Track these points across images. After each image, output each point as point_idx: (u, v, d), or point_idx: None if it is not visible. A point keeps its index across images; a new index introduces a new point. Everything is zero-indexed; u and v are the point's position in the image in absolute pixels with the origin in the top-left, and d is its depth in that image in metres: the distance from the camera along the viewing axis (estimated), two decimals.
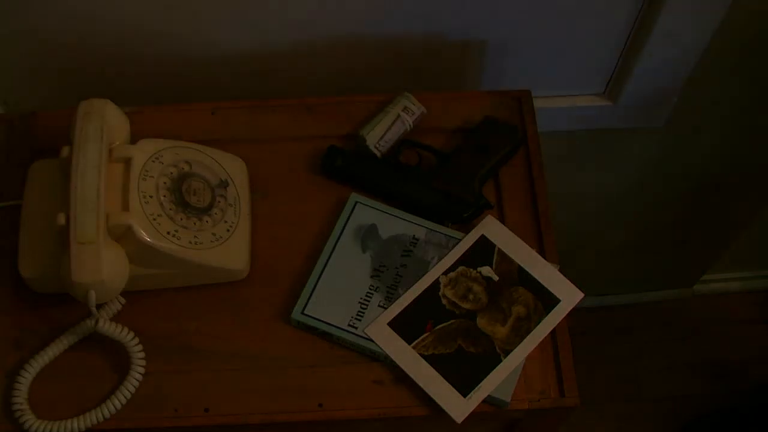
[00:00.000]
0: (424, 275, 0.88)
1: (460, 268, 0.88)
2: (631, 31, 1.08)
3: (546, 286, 0.87)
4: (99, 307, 0.82)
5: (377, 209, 0.92)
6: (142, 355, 0.83)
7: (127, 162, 0.85)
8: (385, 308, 0.86)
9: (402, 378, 0.84)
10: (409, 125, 0.96)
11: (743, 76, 1.19)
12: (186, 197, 0.86)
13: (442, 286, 0.87)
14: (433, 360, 0.83)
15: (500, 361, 0.83)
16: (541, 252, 0.90)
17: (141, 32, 1.02)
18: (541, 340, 0.85)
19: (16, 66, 1.07)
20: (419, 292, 0.87)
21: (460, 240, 0.90)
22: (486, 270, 0.88)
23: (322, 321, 0.85)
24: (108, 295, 0.81)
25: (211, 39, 1.04)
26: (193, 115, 0.98)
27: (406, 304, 0.86)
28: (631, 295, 1.86)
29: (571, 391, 0.84)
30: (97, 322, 0.81)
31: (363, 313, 0.86)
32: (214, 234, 0.86)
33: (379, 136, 0.94)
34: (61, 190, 0.82)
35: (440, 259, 0.89)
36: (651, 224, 1.56)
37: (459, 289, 0.87)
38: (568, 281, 0.87)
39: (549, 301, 0.86)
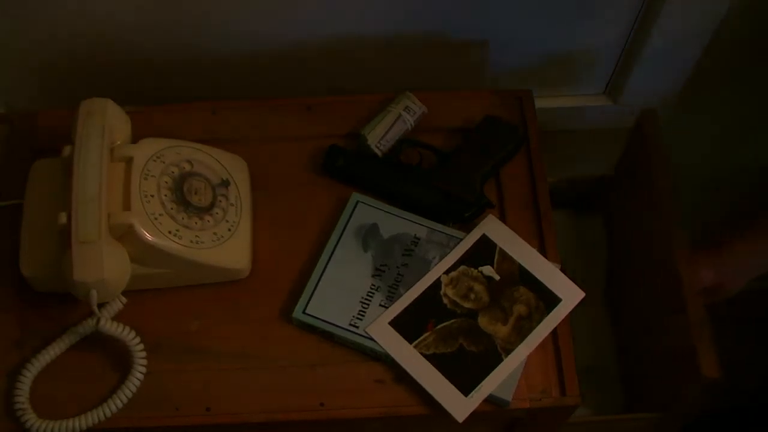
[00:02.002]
0: (425, 274, 0.88)
1: (462, 268, 0.88)
2: (631, 31, 1.09)
3: (547, 285, 0.87)
4: (100, 306, 0.82)
5: (378, 208, 0.92)
6: (143, 354, 0.83)
7: (129, 161, 0.85)
8: (387, 307, 0.86)
9: (403, 377, 0.84)
10: (410, 124, 0.96)
11: (743, 76, 1.19)
12: (187, 196, 0.86)
13: (443, 285, 0.87)
14: (434, 359, 0.83)
15: (501, 360, 0.83)
16: (542, 251, 0.90)
17: (141, 32, 1.02)
18: (542, 339, 0.85)
19: (16, 66, 1.07)
20: (420, 291, 0.87)
21: (461, 239, 0.90)
22: (487, 269, 0.88)
23: (324, 320, 0.85)
24: (109, 295, 0.81)
25: (212, 39, 1.04)
26: (194, 115, 0.99)
27: (407, 303, 0.86)
28: None
29: (573, 390, 0.84)
30: (98, 321, 0.81)
31: (364, 312, 0.86)
32: (215, 233, 0.86)
33: (381, 135, 0.94)
34: (63, 190, 0.82)
35: (441, 258, 0.89)
36: None
37: (460, 288, 0.87)
38: (569, 280, 0.87)
39: (550, 300, 0.86)
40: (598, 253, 1.18)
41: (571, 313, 1.08)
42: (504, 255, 0.89)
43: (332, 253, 0.89)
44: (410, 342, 0.84)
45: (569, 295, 0.87)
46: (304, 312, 0.86)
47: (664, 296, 0.98)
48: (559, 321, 0.86)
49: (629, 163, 1.08)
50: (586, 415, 1.09)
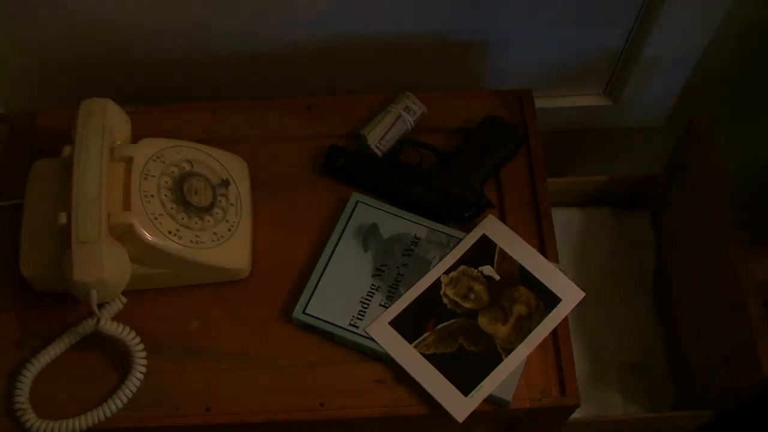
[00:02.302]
0: (425, 274, 0.88)
1: (462, 268, 0.88)
2: (631, 31, 1.09)
3: (547, 285, 0.87)
4: (100, 306, 0.82)
5: (378, 208, 0.92)
6: (143, 354, 0.83)
7: (129, 161, 0.85)
8: (387, 307, 0.86)
9: (403, 377, 0.84)
10: (410, 124, 0.96)
11: (743, 75, 1.19)
12: (187, 196, 0.86)
13: (443, 285, 0.87)
14: (434, 359, 0.83)
15: (501, 360, 0.83)
16: (542, 251, 0.90)
17: (141, 32, 1.02)
18: (542, 339, 0.85)
19: (16, 66, 1.07)
20: (420, 291, 0.87)
21: (461, 239, 0.90)
22: (487, 269, 0.88)
23: (324, 320, 0.85)
24: (109, 295, 0.81)
25: (212, 39, 1.04)
26: (194, 115, 0.98)
27: (407, 303, 0.86)
28: None
29: (572, 390, 0.84)
30: (98, 321, 0.81)
31: (364, 312, 0.86)
32: (215, 233, 0.86)
33: (381, 135, 0.94)
34: (63, 190, 0.82)
35: (441, 258, 0.89)
36: None
37: (460, 288, 0.87)
38: (569, 281, 0.87)
39: (550, 300, 0.86)
40: (646, 251, 1.18)
41: (617, 310, 1.09)
42: (504, 255, 0.89)
43: (332, 253, 0.89)
44: (410, 342, 0.84)
45: (569, 295, 0.87)
46: (304, 312, 0.86)
47: (720, 294, 0.98)
48: (559, 321, 0.86)
49: (680, 161, 1.08)
50: (636, 413, 1.10)
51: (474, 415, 0.81)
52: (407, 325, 0.85)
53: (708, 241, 1.01)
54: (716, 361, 1.01)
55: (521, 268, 0.88)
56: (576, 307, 1.13)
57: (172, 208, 0.84)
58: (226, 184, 0.90)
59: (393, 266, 0.88)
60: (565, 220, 1.18)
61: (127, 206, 0.82)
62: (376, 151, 0.94)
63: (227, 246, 0.86)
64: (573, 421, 1.04)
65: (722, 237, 0.96)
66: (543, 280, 0.87)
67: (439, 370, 0.83)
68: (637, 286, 1.17)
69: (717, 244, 0.98)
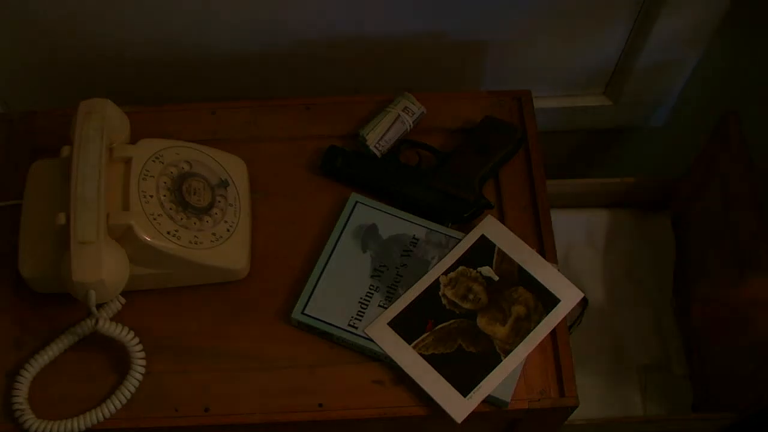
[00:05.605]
0: (424, 275, 0.88)
1: (460, 268, 0.88)
2: (631, 31, 1.09)
3: (546, 286, 0.87)
4: (99, 306, 0.82)
5: (377, 209, 0.92)
6: (142, 354, 0.83)
7: (128, 162, 0.85)
8: (385, 308, 0.86)
9: (402, 378, 0.84)
10: (410, 125, 0.96)
11: (742, 75, 1.19)
12: (186, 197, 0.86)
13: (442, 285, 0.87)
14: (433, 360, 0.83)
15: (500, 360, 0.83)
16: (541, 252, 0.90)
17: (141, 32, 1.03)
18: (541, 340, 0.85)
19: (16, 66, 1.07)
20: (419, 291, 0.87)
21: (460, 240, 0.90)
22: (486, 270, 0.88)
23: (322, 321, 0.85)
24: (108, 295, 0.81)
25: (211, 39, 1.05)
26: (193, 115, 0.98)
27: (406, 303, 0.86)
28: None
29: (571, 390, 0.84)
30: (97, 321, 0.81)
31: (363, 312, 0.86)
32: (214, 234, 0.86)
33: (380, 136, 0.94)
34: (62, 190, 0.82)
35: (440, 258, 0.89)
36: None
37: (459, 288, 0.87)
38: (568, 281, 0.87)
39: (549, 301, 0.86)
40: (666, 252, 1.18)
41: (637, 311, 1.10)
42: (503, 256, 0.89)
43: (331, 253, 0.89)
44: (409, 343, 0.84)
45: (568, 295, 0.87)
46: (302, 312, 0.86)
47: (748, 297, 0.97)
48: (558, 322, 0.86)
49: (707, 164, 1.08)
50: (659, 415, 1.09)
51: (473, 416, 0.81)
52: (406, 326, 0.85)
53: (736, 244, 1.00)
54: (742, 363, 1.00)
55: (520, 269, 0.88)
56: (596, 308, 1.13)
57: (170, 209, 0.84)
58: (224, 184, 0.90)
59: (392, 267, 0.88)
60: (584, 222, 1.18)
61: (126, 207, 0.82)
62: (375, 151, 0.94)
63: (226, 246, 0.86)
64: (594, 421, 1.04)
65: (752, 241, 0.95)
66: (542, 281, 0.87)
67: (438, 371, 0.83)
68: (657, 288, 1.17)
69: (746, 248, 0.97)
